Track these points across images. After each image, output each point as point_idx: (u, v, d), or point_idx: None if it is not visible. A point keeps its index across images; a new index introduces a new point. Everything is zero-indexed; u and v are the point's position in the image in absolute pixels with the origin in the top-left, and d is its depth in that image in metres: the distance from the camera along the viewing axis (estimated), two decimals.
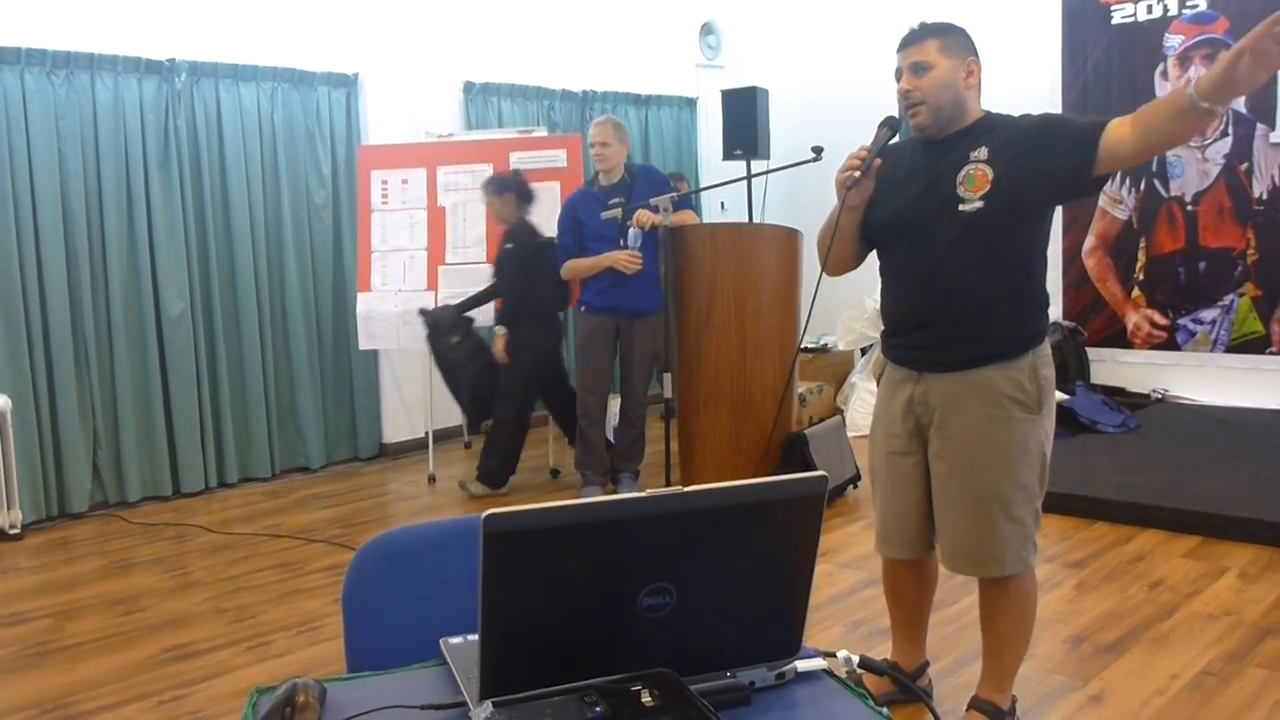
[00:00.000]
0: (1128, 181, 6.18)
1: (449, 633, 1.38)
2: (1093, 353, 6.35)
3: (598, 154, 4.74)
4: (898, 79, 2.33)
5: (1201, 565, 3.73)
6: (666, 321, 4.51)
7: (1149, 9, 6.04)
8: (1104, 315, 6.35)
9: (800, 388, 5.84)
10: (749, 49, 7.92)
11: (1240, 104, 5.72)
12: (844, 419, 5.28)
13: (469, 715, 1.17)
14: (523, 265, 4.91)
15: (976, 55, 2.33)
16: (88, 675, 3.17)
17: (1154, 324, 6.17)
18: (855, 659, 1.34)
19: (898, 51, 2.34)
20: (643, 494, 1.15)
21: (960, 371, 2.35)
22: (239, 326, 5.47)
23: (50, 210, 4.78)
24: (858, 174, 2.34)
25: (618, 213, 4.59)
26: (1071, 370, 6.11)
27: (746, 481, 1.22)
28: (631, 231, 4.63)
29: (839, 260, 2.52)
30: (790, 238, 4.47)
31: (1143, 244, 6.18)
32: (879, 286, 2.53)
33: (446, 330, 5.06)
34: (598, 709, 1.12)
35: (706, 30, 7.82)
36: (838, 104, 7.04)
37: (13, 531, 4.58)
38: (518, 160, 5.52)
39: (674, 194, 4.52)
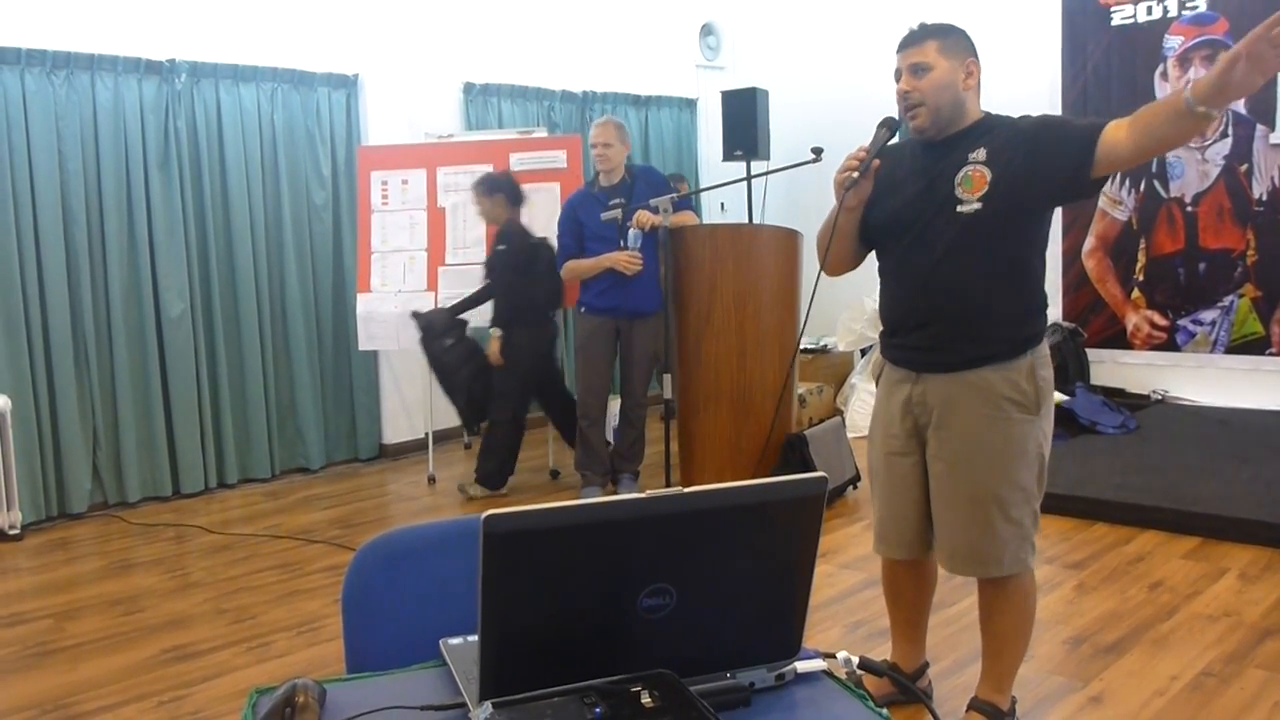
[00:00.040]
0: (1127, 182, 6.18)
1: (449, 633, 1.38)
2: (1092, 354, 6.35)
3: (600, 155, 4.74)
4: (897, 80, 2.33)
5: (1201, 566, 3.73)
6: (666, 322, 4.51)
7: (1149, 10, 6.04)
8: (1104, 316, 6.35)
9: (800, 389, 5.84)
10: (749, 50, 7.92)
11: (1240, 105, 5.72)
12: (844, 420, 5.28)
13: (469, 716, 1.17)
14: (515, 266, 4.91)
15: (976, 56, 2.33)
16: (87, 676, 3.17)
17: (1154, 325, 6.18)
18: (855, 660, 1.34)
19: (897, 52, 2.34)
20: (643, 495, 1.15)
21: (958, 372, 2.35)
22: (239, 327, 5.47)
23: (50, 211, 4.78)
24: (856, 175, 2.35)
25: (618, 214, 4.59)
26: (1071, 371, 6.11)
27: (746, 482, 1.22)
28: (631, 232, 4.63)
29: (838, 260, 2.52)
30: (790, 239, 4.47)
31: (1142, 245, 6.18)
32: (878, 287, 2.53)
33: (440, 333, 5.06)
34: (597, 710, 1.12)
35: (706, 31, 7.83)
36: (838, 105, 7.04)
37: (12, 532, 4.58)
38: (518, 161, 5.52)
39: (674, 195, 4.53)
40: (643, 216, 4.56)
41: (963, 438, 2.35)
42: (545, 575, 1.14)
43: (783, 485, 1.22)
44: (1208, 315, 5.98)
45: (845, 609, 3.48)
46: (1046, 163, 2.21)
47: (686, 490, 1.16)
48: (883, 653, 2.89)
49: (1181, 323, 6.08)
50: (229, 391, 5.42)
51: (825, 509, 1.28)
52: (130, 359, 5.06)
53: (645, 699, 1.14)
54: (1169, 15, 5.97)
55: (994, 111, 2.35)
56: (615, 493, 4.80)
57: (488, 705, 1.13)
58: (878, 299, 2.59)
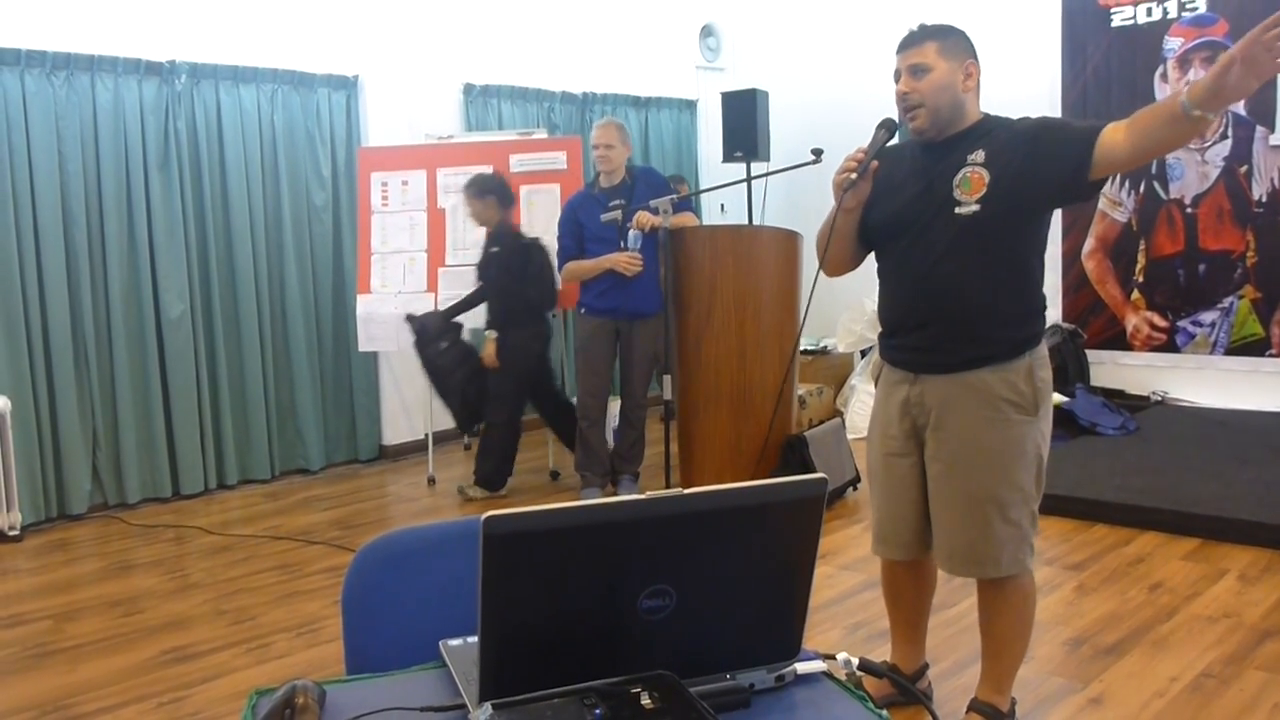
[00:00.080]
0: (1127, 184, 6.19)
1: (448, 635, 1.38)
2: (1092, 355, 6.35)
3: (601, 156, 4.74)
4: (896, 81, 2.33)
5: (1201, 567, 3.73)
6: (666, 323, 4.51)
7: (1149, 11, 6.04)
8: (1103, 317, 6.35)
9: (800, 390, 5.84)
10: (749, 51, 7.92)
11: (1240, 107, 5.72)
12: (844, 421, 5.28)
13: (468, 717, 1.17)
14: (508, 268, 4.91)
15: (975, 58, 2.33)
16: (87, 677, 3.17)
17: (1153, 326, 6.18)
18: (855, 661, 1.35)
19: (897, 53, 2.34)
20: (642, 496, 1.15)
21: (956, 373, 2.35)
22: (239, 328, 5.47)
23: (50, 211, 4.78)
24: (854, 176, 2.35)
25: (618, 215, 4.59)
26: (1071, 372, 6.12)
27: (746, 484, 1.22)
28: (631, 233, 4.63)
29: (837, 261, 2.52)
30: (790, 240, 4.47)
31: (1142, 246, 6.19)
32: (877, 288, 2.53)
33: (434, 336, 5.06)
34: (597, 711, 1.12)
35: (706, 32, 7.83)
36: (838, 106, 7.04)
37: (12, 533, 4.58)
38: (518, 162, 5.52)
39: (674, 196, 4.53)
40: (643, 217, 4.56)
41: (961, 439, 2.35)
42: (545, 576, 1.14)
43: (782, 487, 1.23)
44: (1207, 316, 5.98)
45: (845, 610, 3.48)
46: (1045, 164, 2.22)
47: (686, 491, 1.16)
48: (882, 654, 2.89)
49: (1181, 324, 6.08)
50: (229, 393, 5.42)
51: (825, 510, 1.28)
52: (130, 360, 5.07)
53: (645, 700, 1.14)
54: (1169, 17, 5.98)
55: (993, 113, 2.36)
56: (615, 494, 4.80)
57: (487, 706, 1.13)
58: (877, 300, 2.59)
